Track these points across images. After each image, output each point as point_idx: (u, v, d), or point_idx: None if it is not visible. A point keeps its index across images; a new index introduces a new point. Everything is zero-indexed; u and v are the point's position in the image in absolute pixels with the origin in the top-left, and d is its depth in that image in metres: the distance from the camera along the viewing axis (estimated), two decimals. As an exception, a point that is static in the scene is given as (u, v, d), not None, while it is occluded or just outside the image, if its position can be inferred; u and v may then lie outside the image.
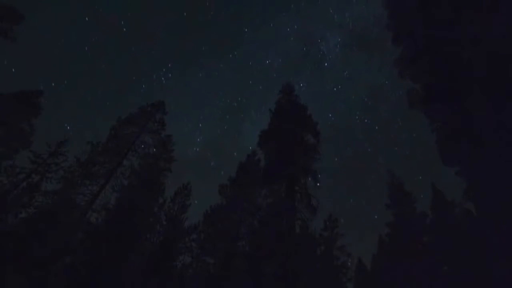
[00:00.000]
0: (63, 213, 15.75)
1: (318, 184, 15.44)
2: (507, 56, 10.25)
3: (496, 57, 10.57)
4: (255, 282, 13.86)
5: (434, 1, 13.29)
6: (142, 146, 21.86)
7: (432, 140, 14.47)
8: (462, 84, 11.97)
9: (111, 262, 14.95)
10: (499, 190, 10.68)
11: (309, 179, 15.70)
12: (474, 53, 11.58)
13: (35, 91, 20.06)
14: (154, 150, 22.40)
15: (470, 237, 17.90)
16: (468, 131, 11.84)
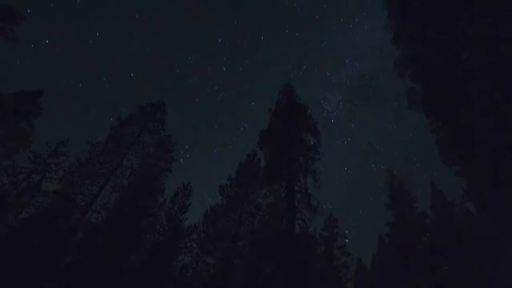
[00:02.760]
0: (63, 213, 15.75)
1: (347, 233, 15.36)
2: (506, 55, 10.25)
3: (495, 57, 10.57)
4: (255, 282, 13.86)
5: (434, 1, 13.30)
6: (142, 146, 21.88)
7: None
8: (462, 83, 11.97)
9: (111, 262, 14.94)
10: (499, 190, 10.67)
11: (309, 179, 15.69)
12: (474, 52, 11.59)
13: (35, 91, 20.07)
14: (154, 150, 22.41)
15: (470, 237, 17.89)
16: (468, 131, 11.85)
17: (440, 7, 13.09)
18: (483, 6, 11.20)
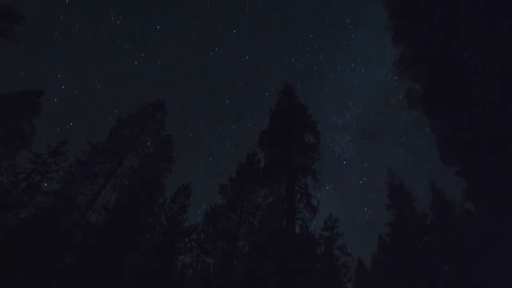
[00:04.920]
0: (63, 213, 15.75)
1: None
2: (507, 55, 10.25)
3: (496, 57, 10.57)
4: (254, 282, 13.86)
5: (434, 1, 13.30)
6: (142, 146, 21.88)
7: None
8: (462, 83, 11.97)
9: (111, 262, 14.94)
10: (499, 190, 10.68)
11: (309, 179, 15.67)
12: (474, 52, 11.59)
13: (35, 91, 20.06)
14: (154, 150, 22.42)
15: (470, 237, 17.90)
16: (468, 131, 11.85)
17: (440, 6, 13.09)
18: (483, 5, 11.21)
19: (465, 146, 12.14)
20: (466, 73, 11.88)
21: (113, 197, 18.85)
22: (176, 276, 16.75)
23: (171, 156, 22.90)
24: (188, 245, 18.24)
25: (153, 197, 19.41)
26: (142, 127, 22.36)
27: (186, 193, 20.66)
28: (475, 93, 11.39)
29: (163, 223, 18.80)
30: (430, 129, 14.60)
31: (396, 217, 24.90)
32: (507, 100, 10.24)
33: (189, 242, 18.37)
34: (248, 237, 18.51)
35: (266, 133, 17.75)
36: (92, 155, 19.86)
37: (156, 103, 24.19)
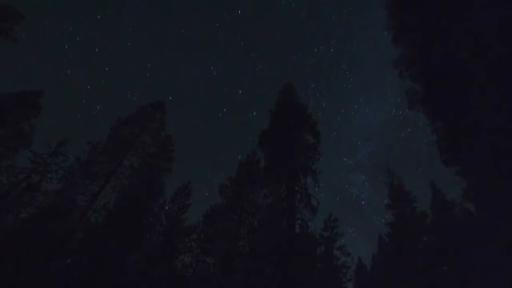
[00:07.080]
0: (63, 213, 15.75)
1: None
2: (507, 55, 10.25)
3: (496, 57, 10.57)
4: (255, 282, 13.86)
5: (434, 1, 13.29)
6: (142, 146, 21.88)
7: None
8: (462, 83, 11.97)
9: (111, 262, 14.94)
10: (499, 190, 10.67)
11: (309, 179, 15.66)
12: (474, 52, 11.58)
13: (35, 91, 20.06)
14: (154, 150, 22.41)
15: (470, 237, 17.89)
16: (468, 131, 11.84)
17: (440, 6, 13.08)
18: (483, 5, 11.20)
19: (465, 146, 12.14)
20: (466, 73, 11.87)
21: (113, 197, 18.85)
22: (176, 276, 16.75)
23: (171, 156, 22.89)
24: (188, 245, 18.25)
25: (153, 197, 19.41)
26: (142, 127, 22.36)
27: (186, 193, 20.68)
28: (474, 93, 11.38)
29: (163, 223, 18.81)
30: (430, 129, 14.59)
31: (396, 217, 24.90)
32: (506, 101, 10.23)
33: (189, 242, 18.38)
34: (248, 237, 18.51)
35: (266, 133, 17.74)
36: (92, 155, 19.86)
37: (156, 103, 24.19)
